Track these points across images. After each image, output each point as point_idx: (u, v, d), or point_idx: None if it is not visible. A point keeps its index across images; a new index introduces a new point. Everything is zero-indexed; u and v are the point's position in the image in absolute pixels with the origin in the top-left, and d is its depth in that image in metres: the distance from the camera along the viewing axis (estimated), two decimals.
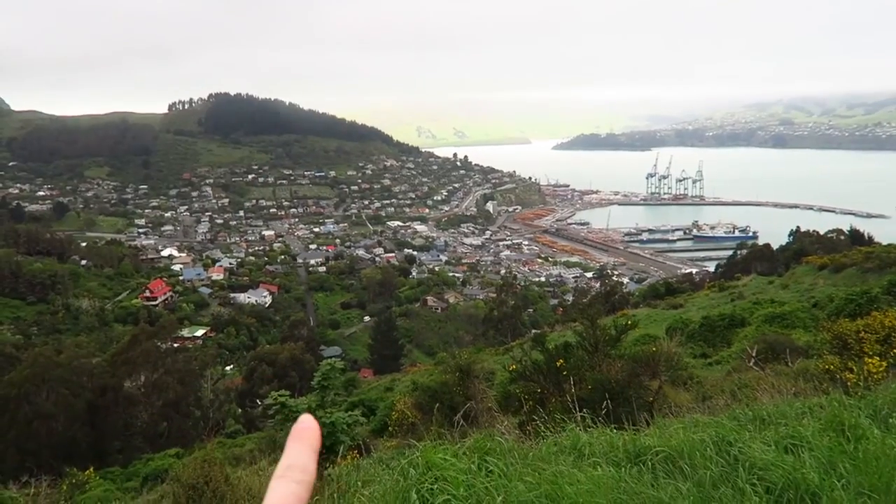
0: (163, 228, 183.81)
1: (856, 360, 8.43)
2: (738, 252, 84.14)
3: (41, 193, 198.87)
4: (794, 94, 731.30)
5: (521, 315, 71.93)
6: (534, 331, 51.15)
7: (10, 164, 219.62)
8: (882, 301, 20.07)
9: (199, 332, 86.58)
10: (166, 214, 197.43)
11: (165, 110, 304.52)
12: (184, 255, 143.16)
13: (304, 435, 0.71)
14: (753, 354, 13.94)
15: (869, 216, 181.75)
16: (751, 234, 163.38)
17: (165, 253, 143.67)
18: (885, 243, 56.03)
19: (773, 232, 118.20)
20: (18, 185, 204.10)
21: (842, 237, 71.14)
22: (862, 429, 4.65)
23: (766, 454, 4.10)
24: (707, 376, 14.41)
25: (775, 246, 76.95)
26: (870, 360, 7.79)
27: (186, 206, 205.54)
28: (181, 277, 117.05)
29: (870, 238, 69.26)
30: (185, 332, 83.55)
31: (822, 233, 75.95)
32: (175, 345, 56.05)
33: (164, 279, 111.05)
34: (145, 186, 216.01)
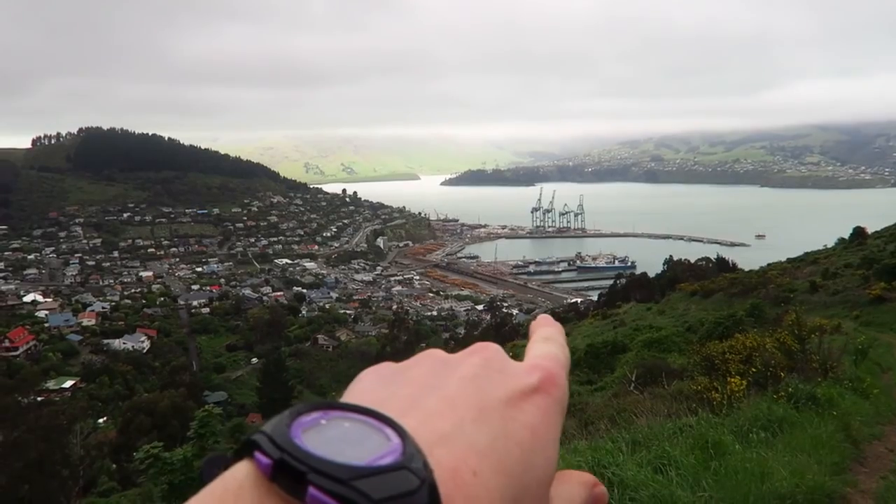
0: (25, 272, 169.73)
1: (721, 380, 8.99)
2: (618, 281, 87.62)
3: None
4: (662, 133, 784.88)
5: (414, 350, 71.61)
6: None
7: None
8: (746, 323, 21.67)
9: (68, 384, 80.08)
10: (29, 257, 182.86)
11: (28, 145, 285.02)
12: (49, 299, 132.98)
13: (553, 321, 0.65)
14: (633, 379, 14.55)
15: (732, 245, 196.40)
16: (629, 263, 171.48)
17: (28, 298, 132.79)
18: (746, 269, 61.00)
19: (649, 261, 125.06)
20: None
21: (710, 265, 76.16)
22: (725, 445, 4.95)
23: (638, 475, 4.26)
24: (590, 402, 14.87)
25: (652, 274, 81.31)
26: (732, 380, 8.34)
27: (53, 248, 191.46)
28: (47, 324, 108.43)
29: (734, 265, 74.59)
30: (52, 385, 77.30)
31: (692, 261, 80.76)
32: (39, 398, 51.86)
33: (27, 327, 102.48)
34: (5, 227, 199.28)
